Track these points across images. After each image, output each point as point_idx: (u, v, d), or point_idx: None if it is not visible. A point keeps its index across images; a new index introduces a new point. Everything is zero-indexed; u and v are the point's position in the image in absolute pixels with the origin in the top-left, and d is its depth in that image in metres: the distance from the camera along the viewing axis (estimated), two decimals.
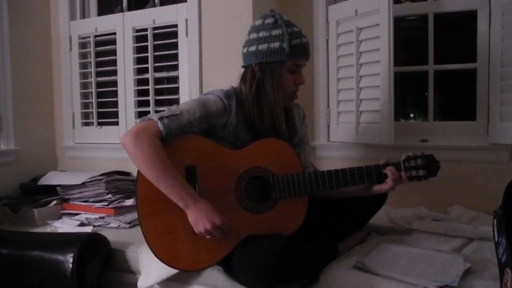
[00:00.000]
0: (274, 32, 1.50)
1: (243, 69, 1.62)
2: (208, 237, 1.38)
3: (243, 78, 1.60)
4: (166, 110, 1.49)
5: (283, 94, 1.56)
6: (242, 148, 1.53)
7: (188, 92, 2.37)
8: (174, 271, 1.55)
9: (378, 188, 1.56)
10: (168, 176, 1.38)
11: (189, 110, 1.48)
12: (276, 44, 1.49)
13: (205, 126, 1.51)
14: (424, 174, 1.56)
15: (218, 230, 1.37)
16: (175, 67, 2.46)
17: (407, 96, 2.92)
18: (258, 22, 1.56)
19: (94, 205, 2.19)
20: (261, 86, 1.54)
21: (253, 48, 1.53)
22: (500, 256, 1.27)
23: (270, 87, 1.53)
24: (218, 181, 1.49)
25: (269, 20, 1.53)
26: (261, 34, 1.52)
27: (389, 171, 1.53)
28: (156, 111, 2.45)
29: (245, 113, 1.57)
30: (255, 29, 1.55)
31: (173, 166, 1.40)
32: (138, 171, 1.45)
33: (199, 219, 1.36)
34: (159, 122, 1.43)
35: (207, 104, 1.50)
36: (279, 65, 1.52)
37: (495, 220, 1.37)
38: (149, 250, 1.47)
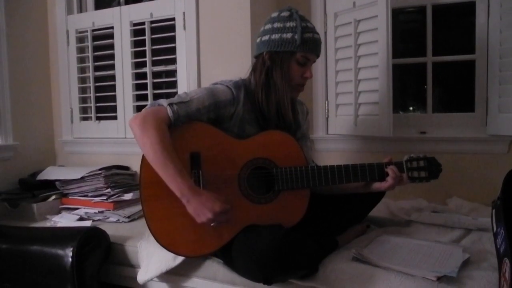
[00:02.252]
0: (288, 24, 1.54)
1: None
2: (212, 225, 1.39)
3: (254, 68, 1.64)
4: (176, 96, 1.51)
5: (289, 85, 1.58)
6: (247, 138, 1.55)
7: (186, 86, 2.37)
8: (173, 264, 1.56)
9: (378, 185, 1.58)
10: (170, 164, 1.38)
11: (199, 98, 1.49)
12: (289, 35, 1.53)
13: (213, 115, 1.52)
14: (426, 176, 1.58)
15: (220, 216, 1.38)
16: (173, 61, 2.45)
17: (406, 88, 2.91)
18: (274, 14, 1.60)
19: (93, 200, 2.19)
20: (269, 74, 1.58)
21: (266, 38, 1.57)
22: (498, 247, 1.28)
23: (279, 76, 1.56)
24: (222, 169, 1.50)
25: (285, 13, 1.57)
26: (276, 25, 1.55)
27: (390, 170, 1.55)
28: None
29: (253, 104, 1.59)
30: (270, 20, 1.59)
31: (176, 155, 1.41)
32: (143, 155, 1.46)
33: (199, 210, 1.37)
34: (168, 108, 1.44)
35: (216, 93, 1.52)
36: (289, 56, 1.55)
37: (493, 211, 1.38)
38: (150, 235, 1.47)
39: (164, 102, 1.47)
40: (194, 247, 1.47)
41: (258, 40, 1.61)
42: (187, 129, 1.49)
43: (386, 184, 1.54)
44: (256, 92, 1.59)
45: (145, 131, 1.40)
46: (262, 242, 1.33)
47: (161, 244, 1.46)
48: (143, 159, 1.46)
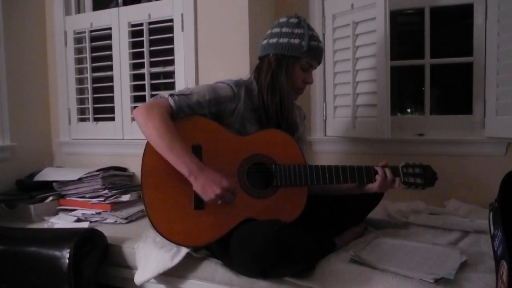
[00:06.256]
0: (296, 30, 1.61)
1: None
2: (219, 202, 1.42)
3: (258, 68, 1.69)
4: (177, 90, 1.57)
5: (292, 88, 1.66)
6: (247, 135, 1.60)
7: (184, 87, 2.36)
8: (170, 265, 1.55)
9: (369, 186, 1.61)
10: (176, 145, 1.43)
11: (199, 92, 1.56)
12: (296, 41, 1.60)
13: (214, 109, 1.58)
14: (421, 183, 1.62)
15: (228, 192, 1.42)
16: (171, 62, 2.45)
17: (404, 90, 2.92)
18: (283, 19, 1.66)
19: (90, 201, 2.19)
20: (275, 76, 1.63)
21: (273, 40, 1.63)
22: (496, 249, 1.28)
23: (284, 78, 1.62)
24: (223, 162, 1.53)
25: (294, 20, 1.63)
26: (284, 29, 1.62)
27: (380, 169, 1.58)
28: None
29: (253, 103, 1.64)
30: (279, 24, 1.65)
31: (181, 138, 1.45)
32: (147, 143, 1.50)
33: (207, 185, 1.40)
34: (169, 98, 1.51)
35: (217, 89, 1.58)
36: (294, 61, 1.62)
37: (491, 213, 1.38)
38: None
39: (165, 94, 1.54)
40: (192, 237, 1.49)
41: (265, 42, 1.66)
42: (190, 122, 1.54)
43: (375, 184, 1.58)
44: (261, 93, 1.64)
45: (150, 118, 1.46)
46: (260, 231, 1.35)
47: (158, 232, 1.47)
48: (146, 146, 1.50)
